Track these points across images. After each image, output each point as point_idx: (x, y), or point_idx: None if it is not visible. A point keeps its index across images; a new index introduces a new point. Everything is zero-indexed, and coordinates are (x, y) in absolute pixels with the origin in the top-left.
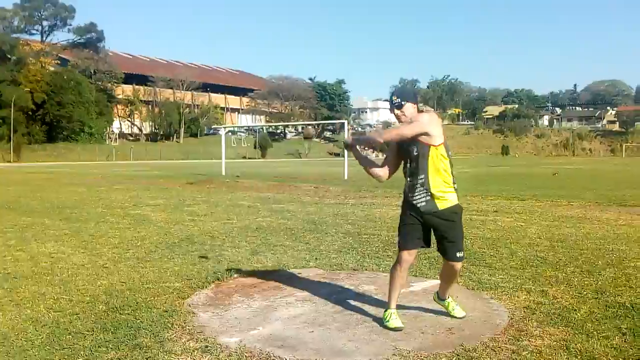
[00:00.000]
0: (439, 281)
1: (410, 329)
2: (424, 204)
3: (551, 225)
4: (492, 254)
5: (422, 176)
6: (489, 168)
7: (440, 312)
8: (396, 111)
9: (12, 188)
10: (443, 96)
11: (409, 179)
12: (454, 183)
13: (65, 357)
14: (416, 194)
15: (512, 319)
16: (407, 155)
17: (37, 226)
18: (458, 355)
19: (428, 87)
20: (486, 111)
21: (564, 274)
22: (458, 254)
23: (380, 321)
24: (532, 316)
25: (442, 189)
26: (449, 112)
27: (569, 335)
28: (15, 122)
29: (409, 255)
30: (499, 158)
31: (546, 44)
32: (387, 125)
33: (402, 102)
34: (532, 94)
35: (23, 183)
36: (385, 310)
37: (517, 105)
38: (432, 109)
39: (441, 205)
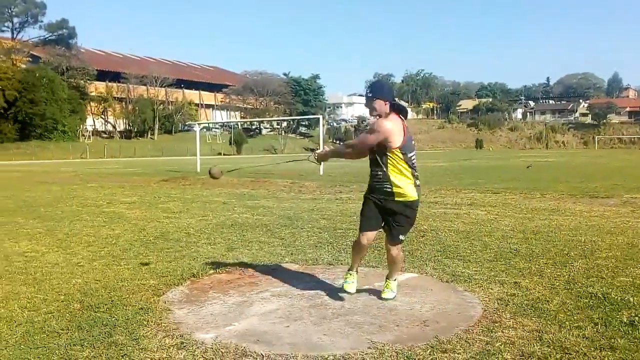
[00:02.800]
0: (415, 275)
1: (386, 322)
2: (388, 189)
3: (524, 217)
4: (466, 246)
5: (381, 171)
6: (463, 162)
7: (415, 305)
8: (368, 104)
9: None
10: (417, 90)
11: (371, 168)
12: (415, 178)
13: (40, 356)
14: (378, 181)
15: (485, 310)
16: (370, 149)
17: (10, 225)
18: (432, 347)
19: (402, 81)
20: (460, 105)
21: (537, 266)
22: (400, 237)
23: (355, 314)
24: (506, 308)
25: (401, 184)
26: (424, 106)
27: (542, 325)
28: None
29: (370, 236)
30: (473, 152)
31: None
32: (362, 120)
33: (374, 97)
34: (505, 88)
35: None
36: (348, 271)
37: (490, 99)
38: (406, 104)
39: (399, 197)
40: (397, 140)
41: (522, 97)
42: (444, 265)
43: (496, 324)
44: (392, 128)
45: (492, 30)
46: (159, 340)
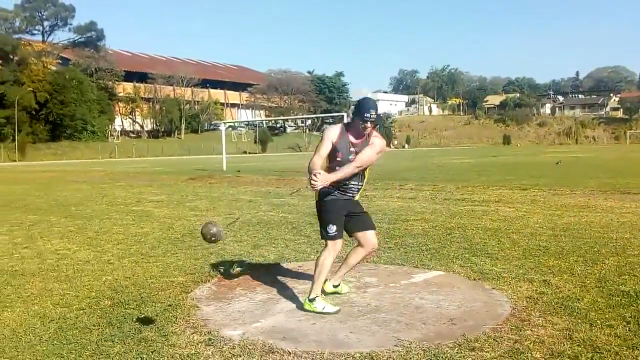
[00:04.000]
0: (442, 272)
1: (412, 320)
2: (357, 197)
3: (554, 214)
4: (493, 244)
5: (362, 182)
6: (491, 158)
7: (442, 303)
8: (369, 124)
9: (18, 187)
10: (443, 86)
11: (349, 180)
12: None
13: (73, 351)
14: (352, 191)
15: (514, 309)
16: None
17: (43, 224)
18: (460, 345)
19: (428, 77)
20: (487, 100)
21: (566, 263)
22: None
23: (381, 312)
24: (535, 306)
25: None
26: (449, 102)
27: (572, 324)
28: (19, 121)
29: (341, 244)
30: (500, 148)
31: (547, 31)
32: (386, 116)
33: (378, 123)
34: (533, 82)
35: (28, 182)
36: (314, 299)
37: (518, 94)
38: (431, 100)
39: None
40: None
41: (551, 92)
42: (472, 263)
43: (525, 323)
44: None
45: (520, 24)
46: (187, 337)
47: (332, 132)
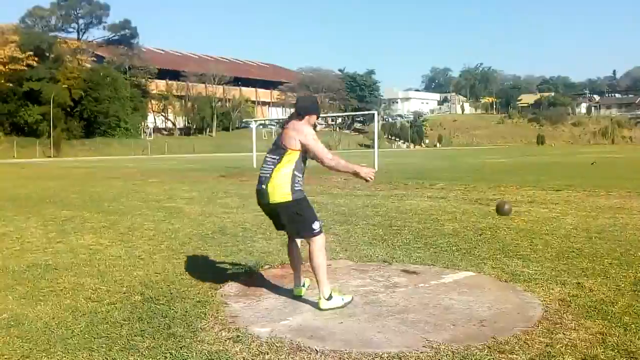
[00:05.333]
0: (472, 273)
1: (441, 320)
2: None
3: (588, 216)
4: (526, 245)
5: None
6: (524, 158)
7: (472, 304)
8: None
9: (53, 182)
10: (476, 85)
11: (304, 174)
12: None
13: (104, 345)
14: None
15: (546, 311)
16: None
17: (76, 219)
18: (490, 347)
19: (460, 75)
20: (521, 99)
21: (601, 266)
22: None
23: (410, 313)
24: (567, 309)
25: None
26: (482, 101)
27: (606, 328)
28: (54, 118)
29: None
30: (534, 148)
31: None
32: (418, 115)
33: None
34: (568, 81)
35: (63, 177)
36: (330, 297)
37: (553, 93)
38: (464, 98)
39: None
40: None
41: (587, 91)
42: (503, 264)
43: (557, 326)
44: None
45: (555, 21)
46: (215, 333)
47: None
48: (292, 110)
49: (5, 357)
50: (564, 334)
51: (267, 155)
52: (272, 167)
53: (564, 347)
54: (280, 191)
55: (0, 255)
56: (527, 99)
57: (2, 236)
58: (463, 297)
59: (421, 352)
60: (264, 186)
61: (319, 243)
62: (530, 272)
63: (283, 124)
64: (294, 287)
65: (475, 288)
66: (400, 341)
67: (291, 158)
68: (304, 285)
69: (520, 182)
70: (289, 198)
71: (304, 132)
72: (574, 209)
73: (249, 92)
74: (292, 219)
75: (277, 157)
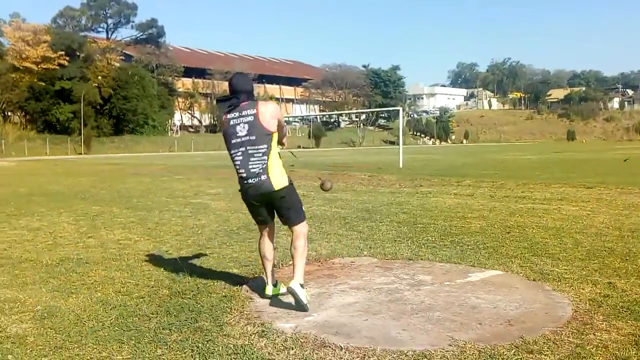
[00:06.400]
0: (500, 272)
1: (468, 319)
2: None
3: (620, 214)
4: (555, 244)
5: None
6: (554, 154)
7: (499, 303)
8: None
9: (84, 179)
10: (504, 80)
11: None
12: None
13: (133, 337)
14: None
15: (576, 311)
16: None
17: (106, 214)
18: (517, 347)
19: (487, 70)
20: (550, 94)
21: (634, 266)
22: None
23: (435, 311)
24: (598, 309)
25: None
26: (510, 96)
27: (639, 329)
28: (85, 116)
29: None
30: (564, 144)
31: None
32: (444, 110)
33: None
34: (600, 75)
35: (93, 174)
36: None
37: (584, 88)
38: (491, 94)
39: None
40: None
41: (619, 85)
42: (531, 263)
43: (587, 326)
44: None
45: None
46: (241, 328)
47: None
48: (226, 92)
49: (40, 347)
50: (594, 334)
51: (249, 148)
52: (265, 157)
53: (594, 348)
54: (281, 177)
55: (35, 249)
56: (557, 93)
57: (36, 231)
58: (490, 296)
59: (446, 351)
60: (263, 177)
61: (305, 228)
62: (560, 271)
63: (232, 109)
64: (267, 285)
65: (502, 287)
66: (426, 339)
67: (274, 140)
68: (275, 286)
69: (550, 179)
70: (287, 182)
71: (278, 111)
72: (606, 206)
73: (273, 89)
74: (291, 204)
75: (267, 145)
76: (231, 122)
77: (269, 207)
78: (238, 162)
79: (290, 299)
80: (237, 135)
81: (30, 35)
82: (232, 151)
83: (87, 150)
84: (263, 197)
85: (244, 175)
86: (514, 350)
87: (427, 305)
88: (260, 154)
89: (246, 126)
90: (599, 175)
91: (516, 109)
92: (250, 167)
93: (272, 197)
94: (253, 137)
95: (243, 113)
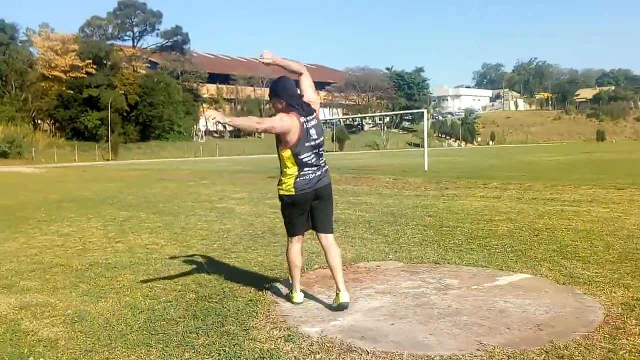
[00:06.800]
0: (528, 275)
1: (496, 324)
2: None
3: None
4: (585, 247)
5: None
6: (583, 155)
7: (528, 307)
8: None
9: (111, 184)
10: (530, 80)
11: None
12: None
13: (160, 341)
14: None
15: (607, 316)
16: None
17: (134, 219)
18: (547, 352)
19: (513, 70)
20: (578, 94)
21: None
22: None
23: (463, 315)
24: (631, 313)
25: (284, 178)
26: (537, 96)
27: None
28: (112, 122)
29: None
30: (593, 144)
31: None
32: (469, 112)
33: (272, 97)
34: (630, 74)
35: (120, 180)
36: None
37: (613, 87)
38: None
39: (280, 190)
40: (289, 139)
41: None
42: (561, 266)
43: (620, 331)
44: (284, 123)
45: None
46: (267, 332)
47: None
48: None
49: (70, 351)
50: (627, 339)
51: (320, 150)
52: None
53: (627, 353)
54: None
55: (65, 254)
56: (585, 93)
57: (66, 236)
58: (518, 300)
59: (475, 356)
60: (326, 168)
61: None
62: (591, 274)
63: (302, 111)
64: (296, 293)
65: (531, 290)
66: (453, 344)
67: None
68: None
69: (579, 180)
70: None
71: None
72: (638, 208)
73: None
74: (332, 205)
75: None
76: (304, 126)
77: (324, 202)
78: (310, 164)
79: (314, 303)
80: (312, 138)
81: (59, 45)
82: (305, 154)
83: (115, 157)
84: (327, 188)
85: (318, 173)
86: (543, 356)
87: (455, 310)
88: (323, 152)
89: (316, 129)
90: (630, 176)
91: (543, 110)
92: (322, 164)
93: (329, 190)
94: (321, 139)
95: (310, 117)
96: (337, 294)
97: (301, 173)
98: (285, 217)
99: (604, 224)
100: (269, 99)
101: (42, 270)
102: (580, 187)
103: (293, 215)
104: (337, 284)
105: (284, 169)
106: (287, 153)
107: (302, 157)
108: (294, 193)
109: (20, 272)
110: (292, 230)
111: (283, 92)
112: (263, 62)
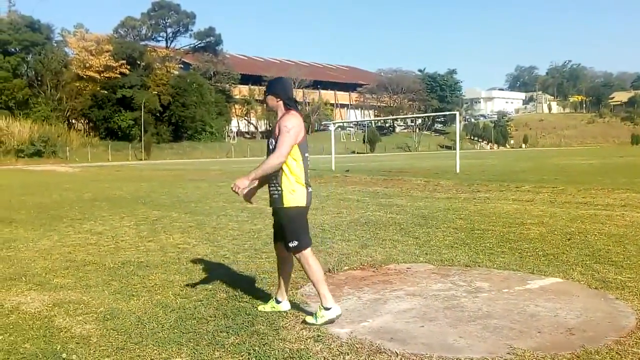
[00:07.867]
0: (560, 280)
1: (527, 327)
2: (276, 196)
3: None
4: (618, 251)
5: (278, 174)
6: (617, 159)
7: (559, 311)
8: (264, 99)
9: (144, 184)
10: (564, 83)
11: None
12: (305, 182)
13: (191, 340)
14: (271, 186)
15: None
16: (268, 148)
17: (166, 219)
18: (579, 357)
19: (547, 73)
20: (613, 97)
21: None
22: (290, 244)
23: (493, 319)
24: None
25: (292, 187)
26: (571, 99)
27: None
28: (145, 123)
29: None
30: (628, 148)
31: None
32: (502, 115)
33: (267, 94)
34: None
35: (153, 179)
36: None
37: None
38: (551, 98)
39: (287, 202)
40: (300, 138)
41: None
42: (593, 271)
43: None
44: (299, 129)
45: None
46: (297, 332)
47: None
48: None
49: (102, 348)
50: None
51: (308, 156)
52: None
53: None
54: None
55: (98, 252)
56: (620, 96)
57: (99, 235)
58: (549, 304)
59: (505, 359)
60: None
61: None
62: (623, 279)
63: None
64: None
65: (562, 295)
66: (483, 347)
67: None
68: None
69: (613, 184)
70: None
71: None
72: None
73: (327, 95)
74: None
75: None
76: (302, 132)
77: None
78: (306, 171)
79: (344, 304)
80: (305, 143)
81: (93, 45)
82: (304, 162)
83: (147, 157)
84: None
85: (309, 182)
86: None
87: (485, 313)
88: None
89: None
90: None
91: (577, 113)
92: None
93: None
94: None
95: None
96: (281, 302)
97: (304, 181)
98: (297, 229)
99: (637, 228)
100: (264, 95)
101: (75, 268)
102: (613, 191)
103: (303, 224)
104: (284, 293)
105: (294, 173)
106: (294, 153)
107: (303, 164)
108: (304, 205)
109: (54, 269)
110: (308, 239)
111: (282, 92)
112: (238, 192)
